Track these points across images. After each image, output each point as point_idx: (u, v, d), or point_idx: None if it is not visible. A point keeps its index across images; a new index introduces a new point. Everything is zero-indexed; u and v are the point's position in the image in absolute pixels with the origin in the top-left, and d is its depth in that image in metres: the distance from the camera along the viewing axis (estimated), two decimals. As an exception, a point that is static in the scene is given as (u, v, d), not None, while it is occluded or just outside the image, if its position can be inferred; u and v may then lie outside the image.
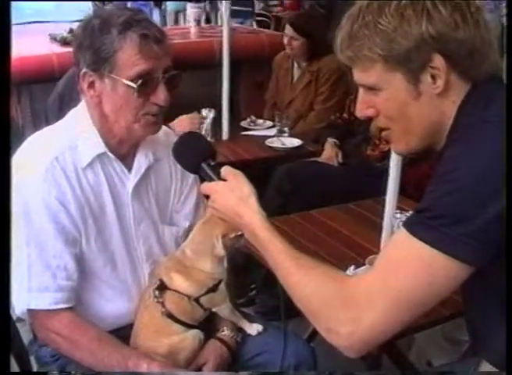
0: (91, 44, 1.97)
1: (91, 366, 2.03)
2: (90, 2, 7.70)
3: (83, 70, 2.00)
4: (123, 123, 2.04)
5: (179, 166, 2.09)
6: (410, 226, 1.45)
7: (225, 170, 1.78)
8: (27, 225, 1.98)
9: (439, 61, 1.48)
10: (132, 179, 2.16)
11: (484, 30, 1.51)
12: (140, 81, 1.97)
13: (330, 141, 4.50)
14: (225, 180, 1.76)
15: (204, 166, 1.83)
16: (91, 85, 2.01)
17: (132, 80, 1.97)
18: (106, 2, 8.51)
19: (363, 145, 4.31)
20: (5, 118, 1.68)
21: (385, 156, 4.11)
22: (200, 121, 4.36)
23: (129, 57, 1.96)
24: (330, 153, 4.45)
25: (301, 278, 1.57)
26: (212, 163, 1.83)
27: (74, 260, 2.05)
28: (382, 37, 1.49)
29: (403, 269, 1.43)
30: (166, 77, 2.02)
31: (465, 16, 1.47)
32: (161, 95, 2.01)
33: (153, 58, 1.98)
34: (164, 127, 2.20)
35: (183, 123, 4.18)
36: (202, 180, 1.86)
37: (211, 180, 1.80)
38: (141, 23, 1.98)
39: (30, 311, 2.05)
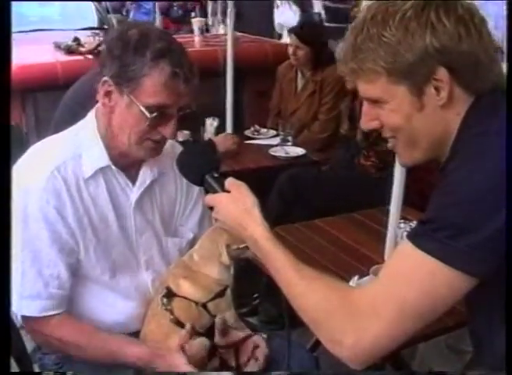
0: (121, 58, 1.95)
1: (90, 360, 2.07)
2: (93, 11, 7.73)
3: (105, 78, 1.98)
4: (125, 140, 2.03)
5: (184, 180, 2.09)
6: (414, 237, 1.45)
7: (229, 182, 1.78)
8: (24, 232, 1.98)
9: (442, 73, 1.48)
10: (136, 191, 2.15)
11: (488, 42, 1.51)
12: (155, 114, 1.96)
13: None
14: (228, 191, 1.77)
15: (207, 177, 1.83)
16: (108, 94, 2.00)
17: (147, 108, 1.95)
18: (111, 12, 8.55)
19: (357, 158, 4.32)
20: (6, 125, 1.68)
21: (377, 167, 4.14)
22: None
23: (154, 86, 1.94)
24: None
25: (304, 289, 1.57)
26: (216, 175, 1.83)
27: (68, 270, 2.06)
28: (386, 50, 1.49)
29: (407, 280, 1.44)
30: (180, 115, 2.02)
31: (469, 28, 1.48)
32: (169, 129, 2.01)
33: (176, 94, 1.97)
34: (170, 140, 2.19)
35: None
36: (206, 191, 1.86)
37: (215, 191, 1.80)
38: (177, 56, 1.96)
39: (24, 317, 2.07)
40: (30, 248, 2.01)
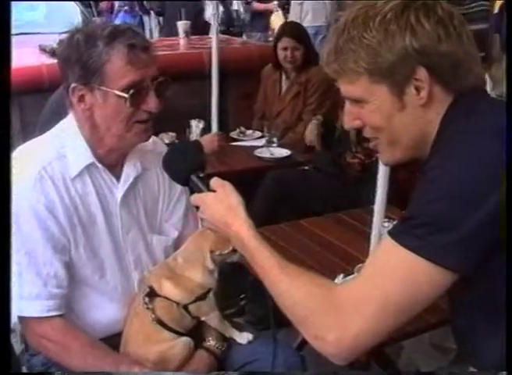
0: (78, 59, 1.98)
1: (82, 372, 2.05)
2: (79, 15, 7.72)
3: (73, 85, 2.01)
4: (115, 133, 2.05)
5: (166, 176, 2.10)
6: (396, 234, 1.47)
7: (214, 182, 1.79)
8: (16, 233, 1.97)
9: (422, 73, 1.50)
10: (120, 188, 2.17)
11: (467, 43, 1.53)
12: (132, 91, 1.99)
13: (313, 122, 4.75)
14: (214, 191, 1.78)
15: (193, 177, 1.84)
16: (81, 99, 2.02)
17: (123, 91, 1.99)
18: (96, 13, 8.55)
19: (343, 155, 4.34)
20: (6, 125, 1.68)
21: (364, 165, 4.16)
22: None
23: (119, 68, 1.98)
24: (310, 134, 4.74)
25: (288, 286, 1.59)
26: (201, 175, 1.85)
27: (64, 267, 2.06)
28: (366, 51, 1.52)
29: (388, 276, 1.45)
30: (155, 84, 2.04)
31: (448, 29, 1.50)
32: (151, 102, 2.04)
33: (141, 66, 2.00)
34: (152, 136, 2.22)
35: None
36: (192, 191, 1.87)
37: (200, 191, 1.82)
38: (126, 33, 2.00)
39: (22, 318, 2.06)
40: (24, 248, 2.01)
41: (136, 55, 1.99)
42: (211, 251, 2.09)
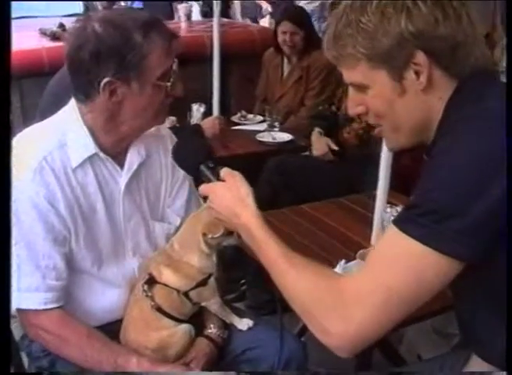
0: (114, 53, 1.91)
1: (80, 363, 2.04)
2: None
3: (106, 80, 1.92)
4: (143, 121, 2.05)
5: (169, 161, 2.09)
6: (401, 223, 1.44)
7: (224, 172, 1.79)
8: (16, 225, 1.94)
9: (421, 57, 1.48)
10: (124, 175, 2.14)
11: (467, 25, 1.50)
12: (171, 79, 2.00)
13: (316, 132, 4.49)
14: (223, 181, 1.78)
15: (202, 167, 1.84)
16: (113, 92, 1.96)
17: (160, 80, 1.98)
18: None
19: (340, 132, 4.32)
20: (6, 116, 1.65)
21: (361, 138, 4.14)
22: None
23: (158, 58, 1.95)
24: (320, 146, 4.42)
25: (294, 277, 1.57)
26: (211, 165, 1.84)
27: (64, 259, 2.04)
28: (363, 36, 1.50)
29: (393, 266, 1.43)
30: (177, 69, 2.04)
31: (446, 11, 1.47)
32: (179, 87, 2.05)
33: (172, 54, 2.00)
34: None
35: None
36: (201, 181, 1.86)
37: (209, 181, 1.82)
38: (158, 23, 1.99)
39: (20, 309, 2.04)
40: (24, 240, 1.98)
41: (171, 45, 1.98)
42: (204, 235, 2.07)
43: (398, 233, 1.43)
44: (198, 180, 1.90)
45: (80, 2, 7.69)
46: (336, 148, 4.34)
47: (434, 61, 1.49)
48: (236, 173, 1.79)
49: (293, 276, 1.58)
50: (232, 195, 1.74)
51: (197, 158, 1.87)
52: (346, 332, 1.46)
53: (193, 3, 7.01)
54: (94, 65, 1.93)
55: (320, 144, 4.43)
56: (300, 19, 5.08)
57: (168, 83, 1.99)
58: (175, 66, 2.03)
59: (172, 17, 6.92)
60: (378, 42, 1.49)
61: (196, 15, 8.80)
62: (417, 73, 1.50)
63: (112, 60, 1.92)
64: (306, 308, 1.55)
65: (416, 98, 1.53)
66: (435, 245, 1.38)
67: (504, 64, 2.81)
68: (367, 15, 1.49)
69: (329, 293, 1.50)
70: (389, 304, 1.43)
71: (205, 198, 1.84)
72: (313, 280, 1.55)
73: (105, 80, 1.93)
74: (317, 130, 4.48)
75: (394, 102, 1.55)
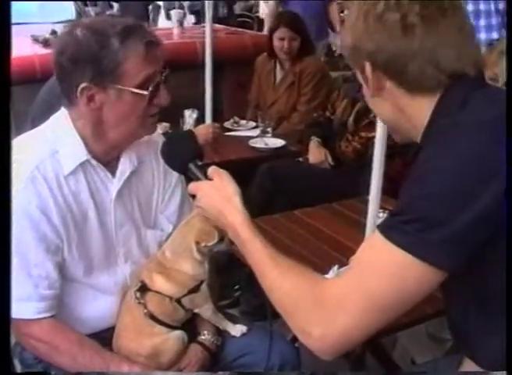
0: (90, 59, 1.90)
1: (72, 370, 2.03)
2: (72, 7, 7.70)
3: (82, 85, 1.93)
4: (126, 129, 2.03)
5: (161, 166, 2.08)
6: (385, 229, 1.43)
7: (212, 170, 1.79)
8: None
9: (367, 68, 1.54)
10: (116, 183, 2.13)
11: (420, 43, 1.48)
12: (150, 88, 1.96)
13: (314, 141, 4.49)
14: (211, 179, 1.78)
15: (191, 166, 1.84)
16: (91, 98, 1.95)
17: (139, 87, 1.95)
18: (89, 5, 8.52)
19: (338, 142, 4.32)
20: (5, 121, 1.64)
21: (359, 152, 4.14)
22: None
23: (135, 65, 1.93)
24: (319, 155, 4.42)
25: (277, 277, 1.57)
26: (199, 163, 1.84)
27: (56, 268, 2.04)
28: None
29: (376, 273, 1.42)
30: (164, 77, 2.02)
31: (394, 30, 1.49)
32: (164, 96, 2.02)
33: (155, 62, 1.98)
34: None
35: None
36: (190, 179, 1.86)
37: (198, 179, 1.82)
38: (139, 30, 1.96)
39: (12, 319, 2.03)
40: (16, 250, 1.94)
41: (151, 51, 1.95)
42: (197, 243, 2.07)
43: (382, 240, 1.42)
44: (188, 179, 1.90)
45: (73, 9, 7.69)
46: (332, 163, 4.34)
47: (382, 73, 1.53)
48: (223, 171, 1.78)
49: (276, 277, 1.57)
50: (219, 194, 1.74)
51: (186, 155, 1.86)
52: (326, 335, 1.45)
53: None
54: (72, 70, 1.94)
55: (318, 154, 4.42)
56: (297, 25, 5.07)
57: (146, 92, 1.96)
58: (164, 75, 2.02)
59: (146, 19, 6.90)
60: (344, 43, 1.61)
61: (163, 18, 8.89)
62: (365, 81, 1.58)
63: (89, 66, 1.91)
64: (288, 309, 1.54)
65: (378, 101, 1.60)
66: (417, 253, 1.36)
67: (502, 66, 2.82)
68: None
69: (311, 295, 1.49)
70: (371, 309, 1.42)
71: (194, 197, 1.83)
72: (295, 281, 1.55)
73: (82, 85, 1.93)
74: (315, 139, 4.48)
75: (369, 99, 1.63)
